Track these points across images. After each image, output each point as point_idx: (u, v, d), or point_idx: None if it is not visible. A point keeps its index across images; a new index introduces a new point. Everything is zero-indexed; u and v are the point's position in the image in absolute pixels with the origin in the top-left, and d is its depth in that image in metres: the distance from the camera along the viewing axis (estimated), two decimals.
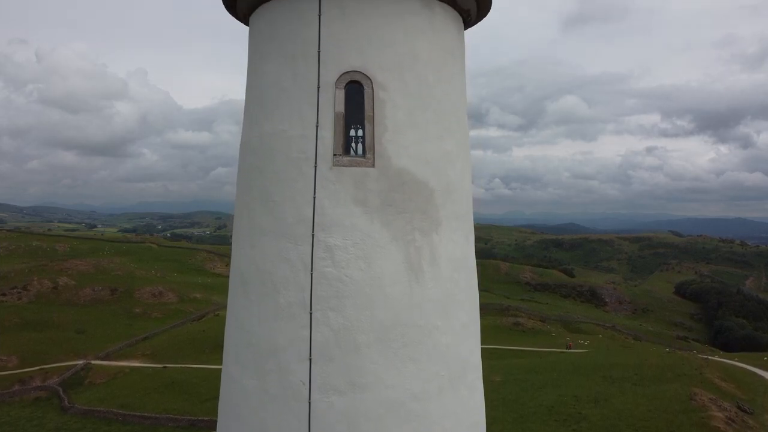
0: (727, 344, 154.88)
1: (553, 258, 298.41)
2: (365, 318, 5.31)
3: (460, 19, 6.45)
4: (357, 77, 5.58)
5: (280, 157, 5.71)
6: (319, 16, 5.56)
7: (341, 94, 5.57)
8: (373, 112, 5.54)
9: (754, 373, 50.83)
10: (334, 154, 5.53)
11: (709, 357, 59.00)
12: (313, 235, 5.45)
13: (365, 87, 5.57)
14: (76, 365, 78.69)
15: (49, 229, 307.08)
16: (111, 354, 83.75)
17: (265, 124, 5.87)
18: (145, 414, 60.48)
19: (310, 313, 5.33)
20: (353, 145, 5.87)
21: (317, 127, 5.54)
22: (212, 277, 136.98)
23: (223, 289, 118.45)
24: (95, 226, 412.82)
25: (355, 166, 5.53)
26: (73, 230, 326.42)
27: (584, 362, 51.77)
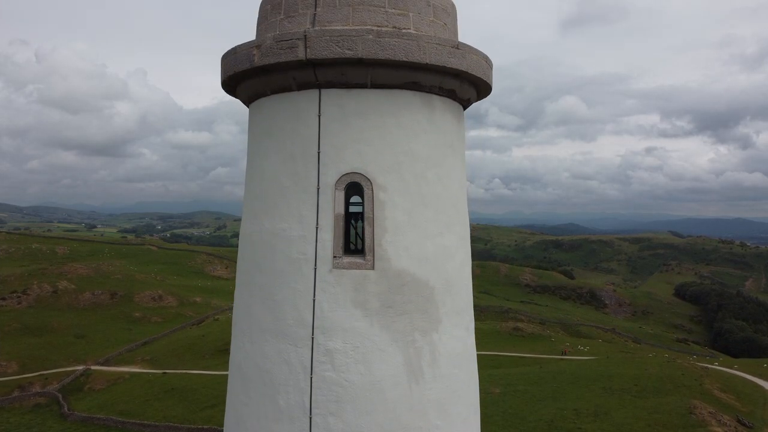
0: (726, 347, 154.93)
1: (552, 259, 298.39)
2: (365, 423, 5.29)
3: (460, 106, 6.42)
4: (357, 179, 5.56)
5: (281, 256, 5.68)
6: (319, 116, 5.54)
7: (341, 196, 5.55)
8: (373, 214, 5.52)
9: (754, 384, 50.80)
10: (334, 256, 5.50)
11: (709, 366, 58.91)
12: (312, 338, 5.43)
13: (365, 188, 5.55)
14: (75, 371, 78.72)
15: (49, 230, 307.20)
16: (111, 359, 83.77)
17: (265, 220, 5.84)
18: (145, 422, 60.51)
19: (310, 417, 5.32)
20: (353, 247, 5.85)
21: (317, 228, 5.51)
22: (212, 280, 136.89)
23: (223, 293, 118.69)
24: (95, 227, 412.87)
25: (355, 268, 5.50)
26: (72, 231, 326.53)
27: (584, 372, 51.72)
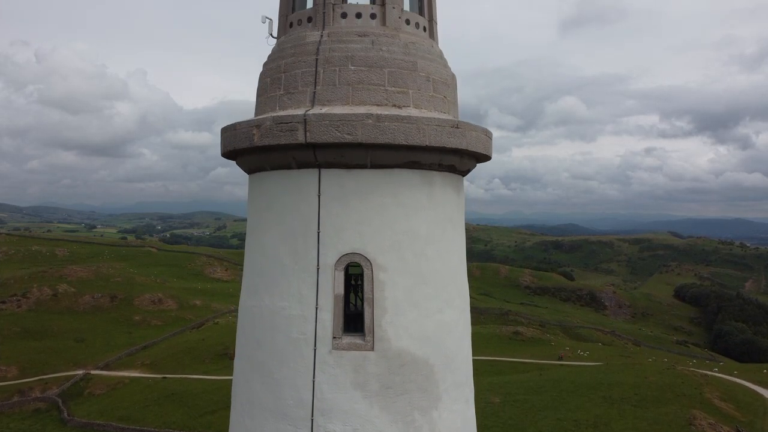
0: (726, 349, 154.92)
1: (552, 260, 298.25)
2: None
3: (461, 177, 6.40)
4: (356, 259, 5.55)
5: (281, 335, 5.67)
6: (319, 195, 5.52)
7: (341, 276, 5.54)
8: (373, 294, 5.51)
9: (754, 392, 50.72)
10: (334, 337, 5.49)
11: (708, 373, 58.85)
12: (312, 419, 5.42)
13: (365, 269, 5.53)
14: (75, 375, 78.63)
15: (49, 230, 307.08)
16: (110, 364, 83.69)
17: (265, 297, 5.83)
18: (144, 428, 60.46)
19: None
20: (353, 327, 5.85)
21: (317, 309, 5.50)
22: (211, 283, 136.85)
23: (223, 295, 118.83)
24: (95, 227, 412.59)
25: (355, 349, 5.49)
26: (72, 231, 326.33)
27: (584, 380, 51.66)
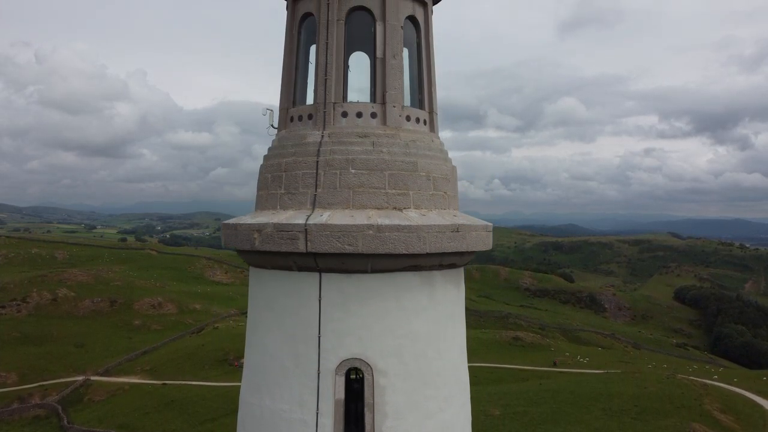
0: (726, 351, 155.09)
1: (552, 261, 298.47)
2: None
3: (461, 269, 6.41)
4: (357, 364, 5.55)
5: None
6: (320, 299, 5.53)
7: (341, 381, 5.54)
8: (373, 399, 5.51)
9: (754, 403, 50.71)
10: None
11: (708, 382, 58.84)
12: None
13: (366, 374, 5.54)
14: (75, 381, 78.64)
15: (49, 231, 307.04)
16: (110, 369, 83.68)
17: (266, 397, 5.84)
18: None
19: None
20: (354, 430, 5.84)
21: (317, 414, 5.50)
22: (211, 286, 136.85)
23: (222, 299, 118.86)
24: (95, 227, 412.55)
25: None
26: (72, 232, 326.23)
27: (583, 390, 51.65)
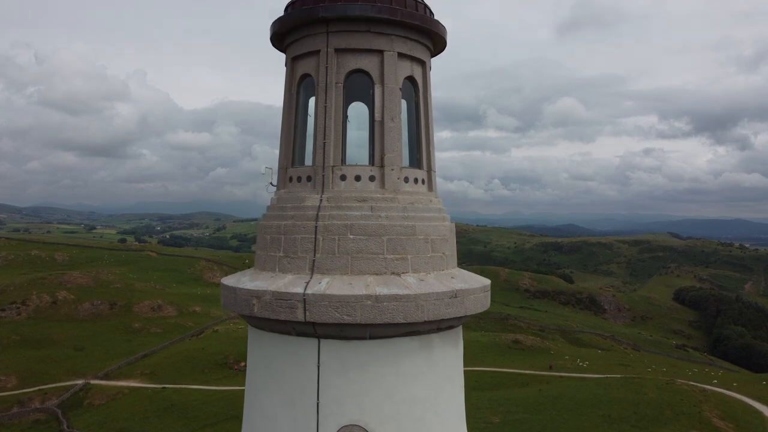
0: (725, 353, 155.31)
1: (552, 261, 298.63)
2: None
3: (459, 327, 6.42)
4: (356, 431, 5.56)
5: None
6: (318, 366, 5.55)
7: None
8: None
9: (754, 409, 50.77)
10: None
11: (707, 387, 58.92)
12: None
13: None
14: (75, 385, 78.69)
15: (48, 231, 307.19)
16: (110, 373, 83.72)
17: None
18: None
19: None
20: None
21: None
22: (211, 288, 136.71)
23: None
24: (94, 227, 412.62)
25: None
26: (72, 232, 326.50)
27: (583, 396, 51.72)
